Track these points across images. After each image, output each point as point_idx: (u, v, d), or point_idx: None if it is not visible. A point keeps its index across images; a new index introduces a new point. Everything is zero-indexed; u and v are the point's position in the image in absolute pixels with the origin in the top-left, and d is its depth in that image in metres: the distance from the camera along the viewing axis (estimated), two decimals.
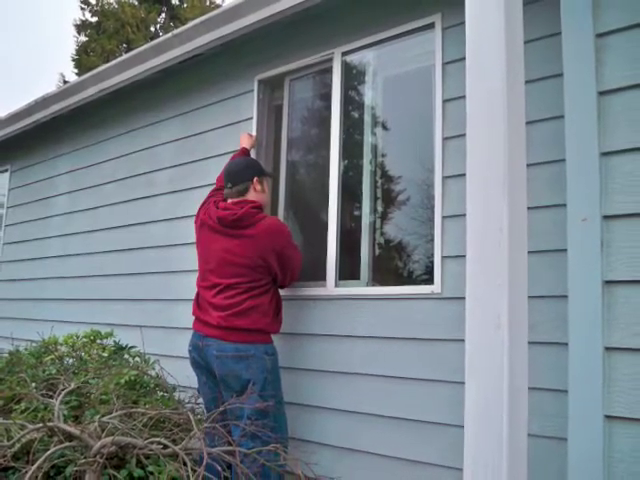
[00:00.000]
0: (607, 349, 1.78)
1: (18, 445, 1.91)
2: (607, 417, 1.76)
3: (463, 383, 1.16)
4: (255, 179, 2.63)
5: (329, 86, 3.01)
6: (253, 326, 2.45)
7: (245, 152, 3.04)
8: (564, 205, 1.93)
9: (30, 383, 2.49)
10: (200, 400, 2.61)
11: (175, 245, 3.57)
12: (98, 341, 3.16)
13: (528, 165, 1.29)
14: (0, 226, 5.50)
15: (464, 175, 1.28)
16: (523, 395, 1.02)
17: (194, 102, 3.67)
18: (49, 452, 1.81)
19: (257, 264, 2.48)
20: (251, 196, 2.62)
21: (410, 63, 2.82)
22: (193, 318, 2.65)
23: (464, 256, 1.24)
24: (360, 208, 2.81)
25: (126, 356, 3.02)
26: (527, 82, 1.37)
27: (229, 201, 2.64)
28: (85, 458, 1.84)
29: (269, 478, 2.19)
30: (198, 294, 2.66)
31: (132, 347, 3.09)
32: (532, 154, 1.87)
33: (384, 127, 2.93)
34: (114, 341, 3.17)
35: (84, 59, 17.00)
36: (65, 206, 4.67)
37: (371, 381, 2.54)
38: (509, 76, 1.10)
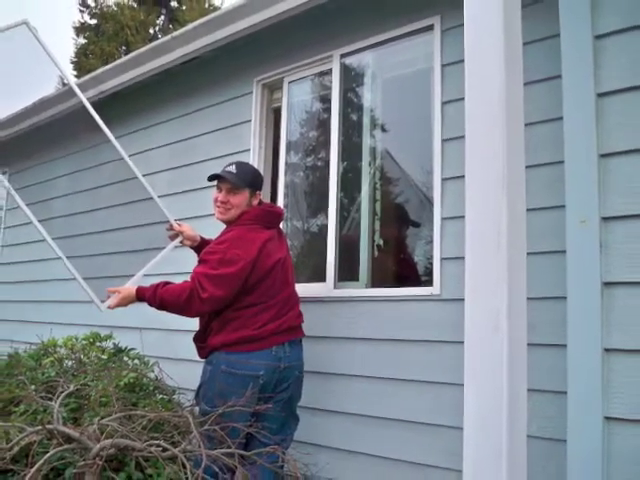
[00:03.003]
0: (606, 350, 1.78)
1: (17, 448, 1.90)
2: (606, 418, 1.76)
3: (463, 385, 1.16)
4: (254, 192, 2.43)
5: (328, 88, 3.01)
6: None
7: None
8: (563, 207, 1.93)
9: (29, 385, 2.48)
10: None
11: (178, 246, 3.56)
12: (97, 343, 3.16)
13: (527, 167, 1.29)
14: None
15: (463, 177, 1.27)
16: (522, 397, 1.02)
17: (193, 104, 3.66)
18: (48, 454, 1.80)
19: None
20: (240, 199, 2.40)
21: (409, 65, 2.82)
22: None
23: (463, 258, 1.24)
24: (359, 210, 2.81)
25: (125, 358, 3.01)
26: (526, 84, 1.36)
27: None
28: (84, 460, 1.83)
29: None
30: None
31: (131, 349, 3.09)
32: (531, 156, 1.86)
33: (383, 129, 2.93)
34: (113, 343, 3.17)
35: (83, 61, 17.02)
36: (65, 208, 4.66)
37: (370, 383, 2.54)
38: (508, 78, 1.10)
